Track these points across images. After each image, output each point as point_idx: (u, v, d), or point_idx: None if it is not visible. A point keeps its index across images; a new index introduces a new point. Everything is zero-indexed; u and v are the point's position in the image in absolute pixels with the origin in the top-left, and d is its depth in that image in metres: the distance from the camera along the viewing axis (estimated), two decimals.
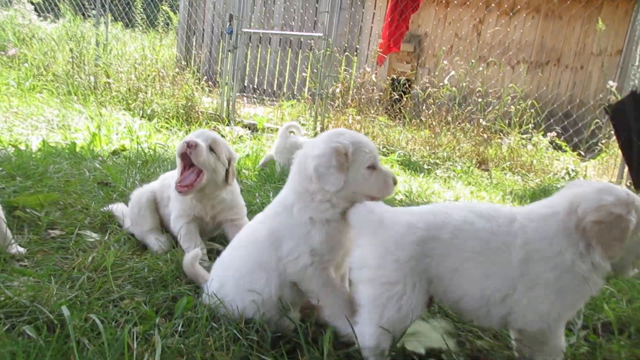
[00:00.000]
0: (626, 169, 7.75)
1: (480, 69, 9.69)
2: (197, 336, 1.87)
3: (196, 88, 9.86)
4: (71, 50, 10.70)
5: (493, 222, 1.89)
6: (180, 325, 1.93)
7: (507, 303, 1.85)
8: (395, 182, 2.16)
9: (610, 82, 8.95)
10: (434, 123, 8.96)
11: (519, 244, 1.84)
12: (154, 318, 1.93)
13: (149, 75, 10.15)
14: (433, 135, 8.76)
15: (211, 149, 2.87)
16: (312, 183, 2.07)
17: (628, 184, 7.76)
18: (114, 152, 5.47)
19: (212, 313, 2.08)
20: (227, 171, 2.96)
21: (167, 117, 8.60)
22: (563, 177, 7.97)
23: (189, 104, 9.25)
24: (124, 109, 9.17)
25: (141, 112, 9.05)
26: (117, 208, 3.31)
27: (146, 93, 9.65)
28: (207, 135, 2.92)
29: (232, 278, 2.15)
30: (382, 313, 1.84)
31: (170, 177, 3.12)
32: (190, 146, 2.76)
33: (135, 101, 9.44)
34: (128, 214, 3.14)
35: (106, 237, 2.89)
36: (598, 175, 8.56)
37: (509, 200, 5.98)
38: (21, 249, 2.54)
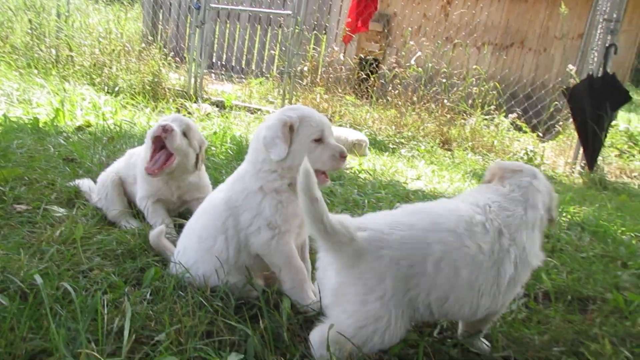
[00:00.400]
0: (581, 151, 8.11)
1: (447, 49, 9.88)
2: (165, 303, 1.97)
3: (163, 64, 9.71)
4: (30, 21, 10.35)
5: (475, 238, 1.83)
6: (149, 293, 2.02)
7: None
8: (343, 157, 2.24)
9: (570, 66, 9.27)
10: (400, 103, 9.13)
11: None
12: (123, 287, 2.02)
13: (113, 50, 9.93)
14: (399, 115, 8.93)
15: (184, 135, 2.93)
16: (262, 153, 2.22)
17: (582, 165, 8.15)
18: (79, 128, 5.42)
19: (179, 282, 2.18)
20: (197, 156, 3.04)
21: (133, 93, 8.48)
22: (522, 158, 8.28)
23: (156, 80, 9.12)
24: (88, 83, 8.98)
25: (106, 87, 8.89)
26: (84, 183, 3.32)
27: (111, 68, 9.47)
28: (182, 120, 2.98)
29: (195, 242, 2.27)
30: (366, 343, 1.74)
31: (136, 155, 3.16)
32: (166, 130, 2.81)
33: (100, 76, 9.25)
34: (96, 195, 3.17)
35: (74, 212, 2.92)
36: (555, 156, 8.93)
37: (469, 179, 6.22)
38: None
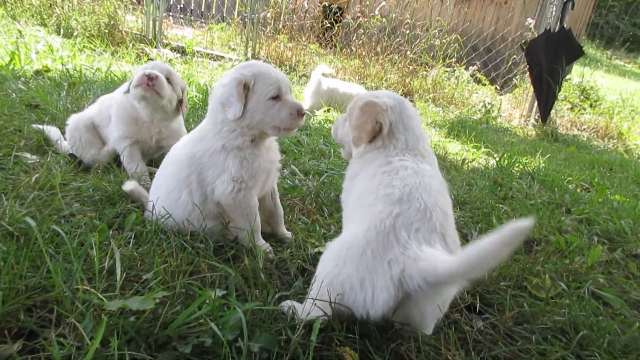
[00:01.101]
0: (536, 104, 8.46)
1: (410, 0, 9.88)
2: (148, 246, 2.09)
3: (118, 5, 9.30)
4: None
5: None
6: (132, 237, 2.13)
7: None
8: (301, 114, 2.28)
9: (529, 19, 9.49)
10: (363, 53, 9.17)
11: None
12: (107, 231, 2.12)
13: None
14: (362, 65, 8.99)
15: (167, 80, 2.95)
16: (220, 112, 2.27)
17: (536, 117, 8.52)
18: (37, 73, 5.25)
19: (159, 227, 2.29)
20: (179, 102, 3.08)
21: (88, 35, 8.14)
22: (480, 110, 8.56)
23: (112, 22, 8.75)
24: (39, 24, 8.53)
25: (59, 29, 8.48)
26: (52, 132, 3.29)
27: (62, 8, 9.00)
28: (162, 67, 2.99)
29: (163, 194, 2.37)
30: None
31: (108, 99, 3.17)
32: (152, 78, 2.82)
33: (51, 16, 8.79)
34: (69, 140, 3.17)
35: (47, 159, 2.94)
36: (511, 109, 9.27)
37: (429, 130, 6.44)
38: None
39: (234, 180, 2.25)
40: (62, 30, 8.34)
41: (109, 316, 1.48)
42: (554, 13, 8.82)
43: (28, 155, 2.96)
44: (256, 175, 2.31)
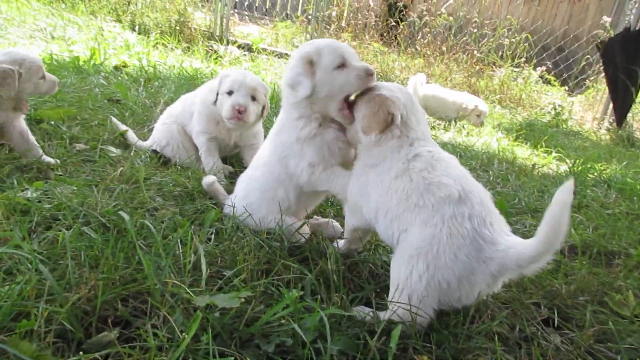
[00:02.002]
0: (610, 107, 8.04)
1: None
2: (228, 243, 2.16)
3: (188, 2, 9.61)
4: None
5: None
6: (213, 233, 2.21)
7: None
8: (370, 74, 2.21)
9: (605, 18, 9.01)
10: (428, 52, 9.03)
11: None
12: (188, 226, 2.21)
13: None
14: (427, 65, 8.86)
15: (252, 98, 3.01)
16: (291, 96, 2.29)
17: (611, 121, 8.10)
18: (116, 68, 5.52)
19: (237, 225, 2.36)
20: (262, 107, 3.14)
21: (160, 32, 8.47)
22: (549, 112, 8.24)
23: (182, 19, 9.07)
24: (114, 20, 8.96)
25: (133, 25, 8.88)
26: (129, 134, 3.39)
27: (137, 5, 9.40)
28: (248, 86, 2.99)
29: (258, 191, 2.44)
30: None
31: (191, 97, 3.31)
32: (241, 112, 2.92)
33: (126, 13, 9.21)
34: (165, 142, 3.29)
35: (132, 153, 3.09)
36: (583, 111, 8.86)
37: (496, 133, 6.27)
38: (56, 160, 2.75)
39: (311, 166, 2.28)
40: (133, 25, 8.72)
41: (197, 312, 1.54)
42: (634, 10, 8.34)
43: (112, 148, 3.13)
44: (335, 156, 2.32)
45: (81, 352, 1.40)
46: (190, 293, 1.64)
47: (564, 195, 1.64)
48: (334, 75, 2.20)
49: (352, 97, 2.27)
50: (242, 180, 2.58)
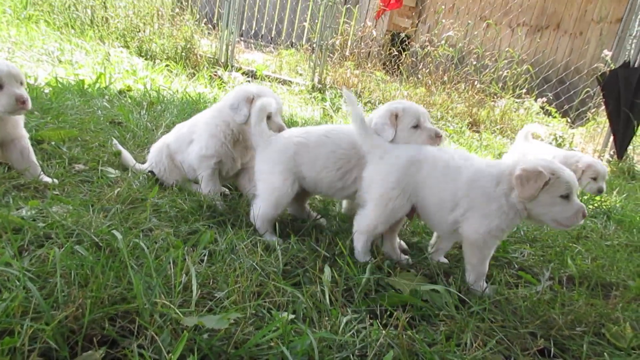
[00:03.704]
0: (611, 139, 8.06)
1: (480, 29, 9.77)
2: (220, 265, 2.15)
3: (195, 30, 9.80)
4: None
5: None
6: (206, 255, 2.20)
7: None
8: (439, 136, 2.75)
9: (606, 52, 9.11)
10: (430, 82, 9.12)
11: None
12: (182, 247, 2.20)
13: (147, 14, 10.04)
14: (428, 94, 8.94)
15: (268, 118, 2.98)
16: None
17: (611, 153, 8.11)
18: (120, 92, 5.60)
19: (232, 247, 2.35)
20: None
21: (166, 57, 8.62)
22: (550, 143, 8.25)
23: (188, 46, 9.23)
24: (122, 46, 9.13)
25: (140, 51, 9.04)
26: (127, 157, 3.39)
27: (145, 32, 9.59)
28: (278, 106, 3.07)
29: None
30: None
31: (188, 124, 3.25)
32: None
33: (134, 39, 9.39)
34: (152, 167, 3.28)
35: (129, 175, 3.11)
36: (584, 143, 8.88)
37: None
38: (55, 180, 2.76)
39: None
40: (141, 51, 8.88)
41: (185, 332, 1.52)
42: (633, 45, 8.43)
43: (111, 170, 3.14)
44: None
45: None
46: (179, 313, 1.62)
47: None
48: (411, 132, 2.72)
49: None
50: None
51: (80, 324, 1.53)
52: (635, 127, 7.69)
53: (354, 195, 2.82)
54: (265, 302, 1.97)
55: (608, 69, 8.50)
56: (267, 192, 2.73)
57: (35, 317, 1.51)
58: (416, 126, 2.70)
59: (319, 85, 9.12)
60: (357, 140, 2.69)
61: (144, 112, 4.72)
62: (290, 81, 9.23)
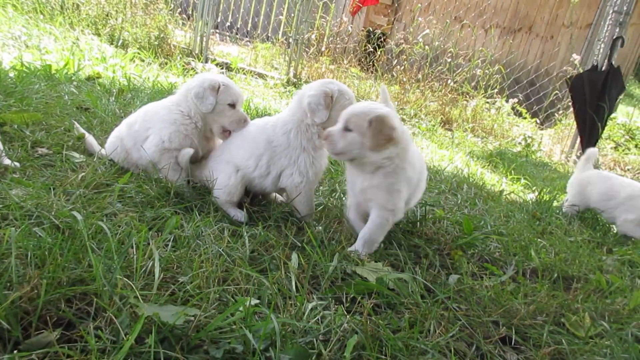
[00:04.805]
0: (578, 140, 8.26)
1: (455, 29, 9.89)
2: (186, 250, 2.11)
3: (169, 19, 9.63)
4: None
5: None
6: (171, 240, 2.16)
7: None
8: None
9: (575, 55, 9.34)
10: (404, 79, 9.19)
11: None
12: (147, 232, 2.16)
13: (120, 1, 9.81)
14: (402, 92, 9.01)
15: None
16: (306, 116, 2.82)
17: (578, 154, 8.31)
18: (89, 78, 5.46)
19: (198, 233, 2.32)
20: None
21: (139, 47, 8.45)
22: (520, 143, 8.43)
23: (162, 35, 9.07)
24: (93, 33, 8.90)
25: (112, 39, 8.84)
26: (93, 144, 3.28)
27: (117, 19, 9.38)
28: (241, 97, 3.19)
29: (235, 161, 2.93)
30: None
31: (140, 121, 3.07)
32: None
33: (105, 27, 9.17)
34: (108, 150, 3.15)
35: (94, 159, 3.03)
36: (552, 144, 9.09)
37: (468, 158, 6.36)
38: (16, 163, 2.67)
39: (300, 174, 2.82)
40: (112, 39, 8.68)
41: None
42: (601, 50, 8.66)
43: (76, 154, 3.06)
44: (318, 174, 2.93)
45: (16, 352, 1.33)
46: (139, 297, 1.59)
47: None
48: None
49: None
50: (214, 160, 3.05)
51: (35, 304, 1.49)
52: (600, 130, 7.91)
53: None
54: (230, 287, 1.95)
55: (577, 72, 8.71)
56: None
57: None
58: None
59: (294, 80, 9.08)
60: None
61: (113, 99, 4.62)
62: (265, 74, 9.17)
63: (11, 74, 4.56)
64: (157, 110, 3.04)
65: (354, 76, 9.43)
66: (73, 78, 5.19)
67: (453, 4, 11.51)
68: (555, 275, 2.98)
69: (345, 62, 9.61)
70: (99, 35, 8.84)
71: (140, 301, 1.57)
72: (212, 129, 3.06)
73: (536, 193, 5.04)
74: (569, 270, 3.13)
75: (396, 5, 11.87)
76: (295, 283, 2.12)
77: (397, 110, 8.38)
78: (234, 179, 2.85)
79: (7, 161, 2.65)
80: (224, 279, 2.02)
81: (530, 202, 4.81)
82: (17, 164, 2.68)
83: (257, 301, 1.85)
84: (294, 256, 2.37)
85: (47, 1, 9.47)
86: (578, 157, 8.28)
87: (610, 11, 8.29)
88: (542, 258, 3.18)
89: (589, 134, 7.97)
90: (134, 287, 1.62)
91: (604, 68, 8.01)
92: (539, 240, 3.61)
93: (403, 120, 8.05)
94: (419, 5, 10.86)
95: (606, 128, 8.45)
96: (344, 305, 2.06)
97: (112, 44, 8.55)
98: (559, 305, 2.54)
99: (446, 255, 2.92)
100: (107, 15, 9.39)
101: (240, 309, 1.64)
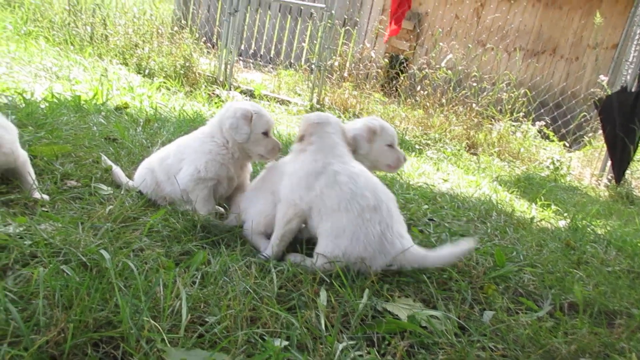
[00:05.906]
0: (609, 163, 8.05)
1: (478, 53, 9.84)
2: (213, 287, 2.07)
3: (194, 48, 9.83)
4: None
5: None
6: (198, 277, 2.13)
7: None
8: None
9: (602, 77, 9.17)
10: (428, 104, 9.14)
11: None
12: (173, 268, 2.12)
13: (147, 31, 10.08)
14: (426, 116, 8.94)
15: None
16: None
17: (609, 177, 8.09)
18: (117, 108, 5.55)
19: (225, 268, 2.28)
20: None
21: (164, 75, 8.62)
22: (548, 167, 8.24)
23: (187, 64, 9.25)
24: (121, 63, 9.14)
25: (139, 68, 9.05)
26: (121, 176, 3.30)
27: (143, 49, 9.61)
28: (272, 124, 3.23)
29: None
30: None
31: (173, 153, 3.10)
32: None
33: (132, 57, 9.40)
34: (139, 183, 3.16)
35: (122, 192, 3.04)
36: (581, 167, 8.87)
37: (495, 184, 6.23)
38: (45, 196, 2.69)
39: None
40: (139, 68, 8.88)
41: None
42: (630, 71, 8.48)
43: (104, 187, 3.07)
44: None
45: None
46: (166, 340, 1.54)
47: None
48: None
49: None
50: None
51: (61, 349, 1.45)
52: (632, 152, 7.69)
53: None
54: (258, 329, 1.89)
55: (605, 93, 8.54)
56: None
57: (13, 342, 1.43)
58: (390, 145, 3.10)
59: (318, 106, 9.12)
60: None
61: (140, 129, 4.67)
62: (288, 101, 9.23)
63: (42, 105, 4.67)
64: (190, 143, 3.06)
65: (377, 101, 9.42)
66: (101, 108, 5.29)
67: (475, 28, 11.49)
68: (596, 309, 2.84)
69: (368, 87, 9.62)
70: (126, 64, 9.07)
71: (168, 345, 1.53)
72: (252, 157, 3.12)
73: (568, 220, 4.88)
74: (609, 304, 2.98)
75: (418, 30, 11.90)
76: (325, 322, 2.05)
77: (421, 134, 8.33)
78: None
79: (37, 194, 2.67)
80: (252, 319, 1.96)
81: (562, 229, 4.65)
82: (47, 197, 2.69)
83: (287, 342, 1.79)
84: (323, 293, 2.31)
85: (77, 33, 9.80)
86: (609, 181, 8.05)
87: (638, 31, 8.14)
88: (581, 291, 3.04)
89: (620, 157, 7.76)
90: (161, 330, 1.57)
91: (633, 89, 7.83)
92: (574, 271, 3.46)
93: (428, 145, 7.98)
94: (441, 30, 10.87)
95: (638, 150, 8.21)
96: (375, 345, 1.98)
97: (139, 73, 8.74)
98: (602, 344, 2.41)
99: (479, 289, 2.81)
100: (134, 46, 9.64)
101: (270, 353, 1.58)
